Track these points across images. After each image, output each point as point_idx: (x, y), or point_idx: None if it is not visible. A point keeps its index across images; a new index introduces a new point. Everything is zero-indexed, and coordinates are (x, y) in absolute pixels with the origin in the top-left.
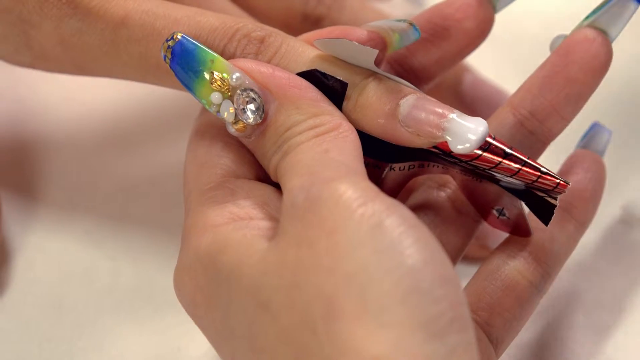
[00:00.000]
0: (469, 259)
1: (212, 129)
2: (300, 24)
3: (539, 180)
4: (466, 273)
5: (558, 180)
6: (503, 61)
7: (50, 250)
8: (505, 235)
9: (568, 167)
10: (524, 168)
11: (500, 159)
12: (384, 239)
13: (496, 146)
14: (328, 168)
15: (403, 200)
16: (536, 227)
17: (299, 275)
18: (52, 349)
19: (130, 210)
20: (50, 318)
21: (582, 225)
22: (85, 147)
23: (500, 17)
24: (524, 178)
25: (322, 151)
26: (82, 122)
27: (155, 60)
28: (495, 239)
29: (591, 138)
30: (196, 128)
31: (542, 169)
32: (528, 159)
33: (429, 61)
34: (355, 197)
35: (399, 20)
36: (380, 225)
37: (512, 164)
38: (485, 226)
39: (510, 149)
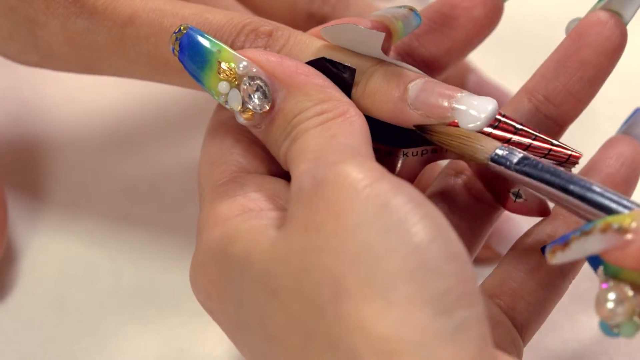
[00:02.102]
0: (477, 261)
1: (223, 127)
2: (305, 23)
3: (551, 152)
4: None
5: (570, 152)
6: (507, 62)
7: (54, 251)
8: (512, 237)
9: (602, 151)
10: (535, 142)
11: (511, 135)
12: (391, 218)
13: (506, 122)
14: (334, 152)
15: (423, 189)
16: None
17: (306, 259)
18: (55, 350)
19: (133, 211)
20: (53, 318)
21: None
22: (89, 148)
23: (504, 18)
24: (536, 152)
25: (330, 136)
26: (85, 122)
27: (163, 58)
28: (501, 241)
29: (632, 124)
30: (209, 127)
31: (554, 141)
32: (538, 132)
33: (439, 51)
34: (361, 178)
35: (400, 7)
36: (386, 205)
37: (522, 139)
38: (493, 229)
39: (521, 124)
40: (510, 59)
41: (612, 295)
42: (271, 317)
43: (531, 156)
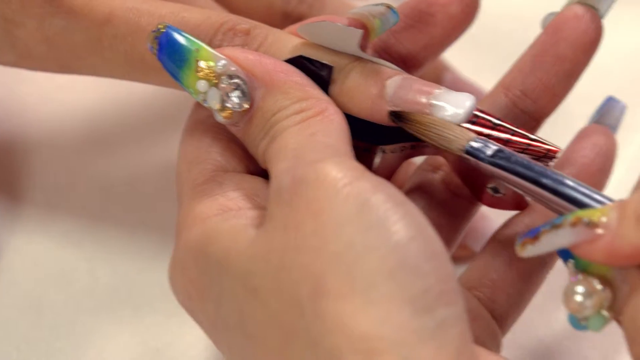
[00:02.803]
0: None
1: (201, 126)
2: (281, 23)
3: (529, 147)
4: None
5: (548, 146)
6: (482, 61)
7: (29, 251)
8: (487, 235)
9: (576, 142)
10: (513, 137)
11: (489, 131)
12: (370, 217)
13: (484, 118)
14: (313, 150)
15: (400, 184)
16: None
17: (286, 258)
18: (31, 350)
19: (109, 211)
20: (28, 319)
21: None
22: (65, 148)
23: (479, 17)
24: (514, 147)
25: (309, 135)
26: (60, 122)
27: (140, 57)
28: (476, 239)
29: (604, 113)
30: (186, 126)
31: (531, 136)
32: (516, 127)
33: (416, 48)
34: (341, 177)
35: (377, 5)
36: (366, 204)
37: (500, 134)
38: (469, 229)
39: (498, 119)
40: (485, 57)
41: (580, 289)
42: (251, 316)
43: (506, 149)
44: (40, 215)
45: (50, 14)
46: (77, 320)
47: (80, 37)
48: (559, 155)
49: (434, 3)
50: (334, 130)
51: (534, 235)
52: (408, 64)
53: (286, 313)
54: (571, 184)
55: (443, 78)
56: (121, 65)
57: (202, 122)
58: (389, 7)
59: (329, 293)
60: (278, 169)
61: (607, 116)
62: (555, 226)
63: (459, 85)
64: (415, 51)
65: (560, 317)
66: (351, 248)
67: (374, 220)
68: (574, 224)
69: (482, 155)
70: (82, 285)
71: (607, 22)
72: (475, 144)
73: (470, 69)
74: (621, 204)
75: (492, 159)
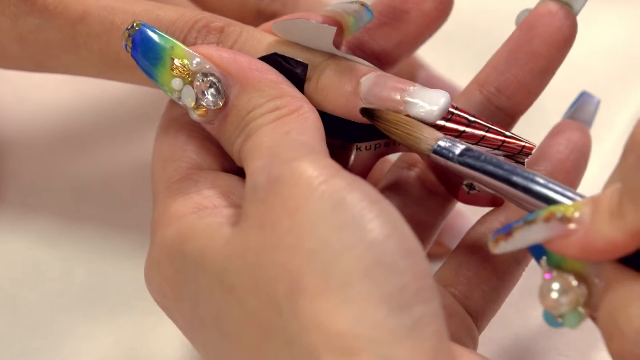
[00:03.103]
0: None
1: (176, 124)
2: (254, 20)
3: (504, 144)
4: None
5: (523, 143)
6: (457, 57)
7: (4, 251)
8: (463, 232)
9: (551, 138)
10: (488, 134)
11: (463, 128)
12: (346, 215)
13: (459, 115)
14: (289, 148)
15: (376, 182)
16: None
17: (262, 256)
18: (6, 350)
19: (84, 210)
20: (3, 319)
21: None
22: (39, 147)
23: (454, 14)
24: (489, 144)
25: (284, 133)
26: (34, 121)
27: (115, 55)
28: (452, 237)
29: (578, 108)
30: (161, 124)
31: (507, 133)
32: (491, 124)
33: (390, 45)
34: (316, 175)
35: (351, 2)
36: (341, 202)
37: (475, 131)
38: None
39: (473, 116)
40: (459, 54)
41: (556, 285)
42: (227, 315)
43: (474, 147)
44: (14, 214)
45: (24, 12)
46: (52, 319)
47: (54, 35)
48: (534, 151)
49: (407, 0)
50: (309, 128)
51: (506, 231)
52: (382, 60)
53: (263, 311)
54: (542, 182)
55: (417, 75)
56: (96, 63)
57: (177, 119)
58: (363, 4)
59: (306, 291)
60: (253, 167)
61: (581, 111)
62: (528, 222)
63: (433, 82)
64: (389, 48)
65: (536, 314)
66: (327, 246)
67: (350, 218)
68: (547, 219)
69: (450, 155)
70: (58, 284)
71: (583, 18)
72: (443, 143)
73: (444, 66)
74: (594, 199)
75: (460, 159)
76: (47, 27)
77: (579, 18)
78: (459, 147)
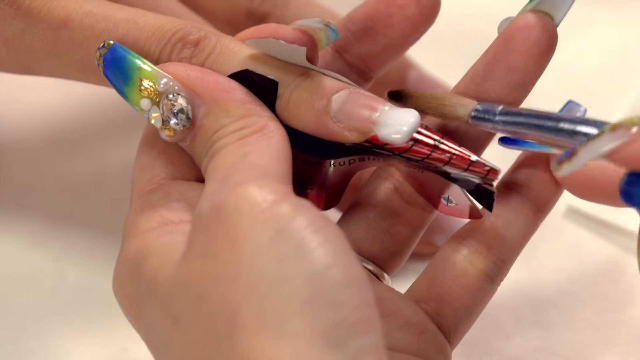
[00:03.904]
0: (416, 256)
1: (156, 133)
2: (245, 21)
3: (470, 168)
4: (414, 269)
5: (488, 167)
6: (447, 57)
7: None
8: (450, 232)
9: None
10: (455, 157)
11: (430, 150)
12: (286, 246)
13: (427, 135)
14: (240, 172)
15: (353, 194)
16: (492, 214)
17: (204, 287)
18: None
19: (75, 211)
20: None
21: (541, 209)
22: (31, 148)
23: (444, 14)
24: (456, 166)
25: (242, 154)
26: (26, 122)
27: (95, 62)
28: (441, 236)
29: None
30: (144, 133)
31: (472, 157)
32: (459, 147)
33: (376, 49)
34: (260, 202)
35: (317, 21)
36: (283, 231)
37: (442, 154)
38: (432, 223)
39: (441, 138)
40: (450, 54)
41: None
42: (174, 344)
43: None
44: (6, 215)
45: (9, 16)
46: (45, 320)
47: (38, 40)
48: (499, 176)
49: (391, 5)
50: (270, 149)
51: (569, 154)
52: (369, 65)
53: (203, 344)
54: (591, 121)
55: (408, 75)
56: (78, 70)
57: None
58: (327, 24)
59: (243, 326)
60: (206, 190)
61: None
62: (592, 138)
63: (424, 82)
64: (375, 52)
65: (512, 330)
66: (265, 280)
67: (290, 249)
68: (614, 129)
69: (490, 117)
70: (50, 285)
71: (574, 19)
72: (480, 107)
73: (435, 65)
74: None
75: (503, 118)
76: (31, 32)
77: (570, 19)
78: (496, 108)
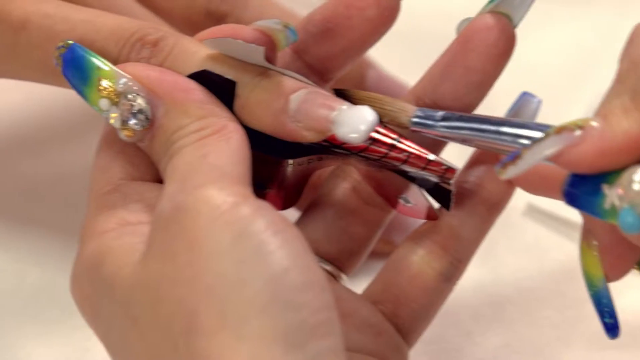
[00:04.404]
0: (375, 254)
1: (114, 132)
2: (204, 21)
3: (428, 167)
4: (372, 268)
5: (445, 166)
6: (407, 57)
7: None
8: (409, 230)
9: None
10: (412, 156)
11: (388, 149)
12: (246, 248)
13: (385, 134)
14: (200, 174)
15: (312, 193)
16: (446, 213)
17: (162, 289)
18: None
19: (34, 212)
20: None
21: (494, 207)
22: None
23: (404, 13)
24: (414, 165)
25: (200, 156)
26: None
27: (54, 62)
28: (400, 234)
29: (519, 109)
30: (102, 132)
31: (430, 156)
32: (416, 146)
33: (335, 50)
34: (219, 204)
35: (276, 22)
36: (243, 233)
37: (400, 153)
38: (391, 222)
39: (399, 137)
40: (410, 53)
41: (637, 177)
42: (132, 346)
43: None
44: None
45: None
46: (4, 321)
47: None
48: (456, 175)
49: (351, 6)
50: (229, 150)
51: (513, 157)
52: (328, 66)
53: (162, 346)
54: (533, 125)
55: (367, 75)
56: (37, 71)
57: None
58: (286, 26)
59: (202, 329)
60: (165, 191)
61: (522, 112)
62: (536, 141)
63: (383, 81)
64: (334, 54)
65: (472, 328)
66: (225, 281)
67: (249, 251)
68: (559, 131)
69: (431, 123)
70: (10, 286)
71: (533, 17)
72: (421, 113)
73: (396, 64)
74: (601, 110)
75: (444, 123)
76: None
77: (528, 17)
78: (437, 113)
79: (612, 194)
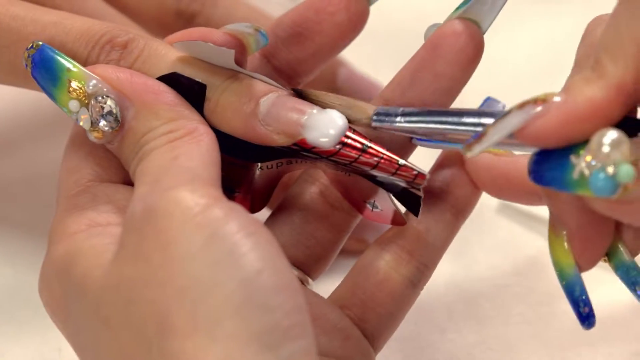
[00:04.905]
0: (347, 253)
1: (83, 134)
2: (174, 21)
3: (398, 172)
4: (344, 266)
5: (415, 172)
6: (379, 55)
7: None
8: (384, 228)
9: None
10: (382, 161)
11: (358, 154)
12: (219, 250)
13: (355, 139)
14: (171, 175)
15: (280, 197)
16: (412, 219)
17: (134, 291)
18: None
19: (7, 211)
20: None
21: (461, 212)
22: None
23: (376, 11)
24: (384, 170)
25: (172, 158)
26: None
27: (23, 64)
28: (373, 233)
29: None
30: (71, 133)
31: (400, 161)
32: (386, 151)
33: (304, 55)
34: (192, 206)
35: (247, 26)
36: (215, 235)
37: (370, 158)
38: (363, 219)
39: (369, 142)
40: (381, 51)
41: (607, 139)
42: (104, 347)
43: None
44: None
45: None
46: None
47: None
48: (426, 181)
49: (321, 11)
50: (200, 153)
51: (477, 136)
52: (297, 70)
53: (135, 347)
54: (494, 113)
55: (338, 73)
56: (6, 74)
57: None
58: (257, 29)
59: (175, 330)
60: (136, 193)
61: None
62: (500, 117)
63: (354, 80)
64: (303, 58)
65: (447, 325)
66: (197, 283)
67: (222, 253)
68: (521, 106)
69: (391, 119)
70: None
71: (506, 16)
72: (381, 110)
73: (367, 63)
74: (564, 87)
75: (406, 118)
76: None
77: (499, 15)
78: (397, 109)
79: (580, 163)
